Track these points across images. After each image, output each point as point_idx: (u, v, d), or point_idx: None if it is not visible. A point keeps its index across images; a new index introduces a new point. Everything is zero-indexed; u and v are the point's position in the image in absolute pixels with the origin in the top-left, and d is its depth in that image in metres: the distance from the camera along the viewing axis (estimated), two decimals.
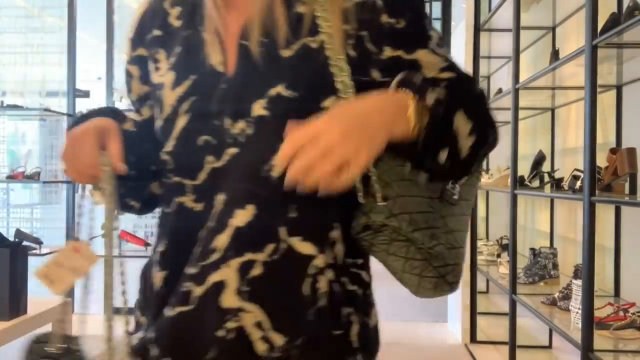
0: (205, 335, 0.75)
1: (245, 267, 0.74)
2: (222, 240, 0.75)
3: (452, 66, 0.81)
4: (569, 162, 3.06)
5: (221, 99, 0.78)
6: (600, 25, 1.92)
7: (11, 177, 4.31)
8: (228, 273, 0.74)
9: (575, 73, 2.38)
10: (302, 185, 0.67)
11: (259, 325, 0.75)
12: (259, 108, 0.76)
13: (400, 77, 0.75)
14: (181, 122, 0.79)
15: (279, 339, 0.75)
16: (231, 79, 0.78)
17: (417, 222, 0.77)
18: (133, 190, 0.92)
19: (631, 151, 2.10)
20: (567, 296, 2.44)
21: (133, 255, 4.31)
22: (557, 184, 2.69)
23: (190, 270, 0.77)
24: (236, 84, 0.78)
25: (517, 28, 2.77)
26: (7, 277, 2.02)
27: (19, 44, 4.37)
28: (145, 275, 0.90)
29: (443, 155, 0.75)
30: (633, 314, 2.07)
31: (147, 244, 4.30)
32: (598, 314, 2.05)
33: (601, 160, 2.14)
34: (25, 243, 2.56)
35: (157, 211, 0.92)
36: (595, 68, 1.90)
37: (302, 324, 0.76)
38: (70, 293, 4.25)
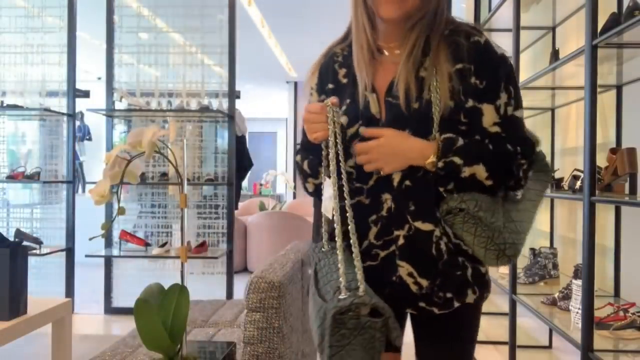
0: (384, 279, 1.24)
1: (396, 239, 1.24)
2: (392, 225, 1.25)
3: (504, 121, 1.22)
4: (569, 162, 3.06)
5: None
6: (600, 25, 1.92)
7: (11, 177, 4.31)
8: (394, 244, 1.24)
9: (575, 73, 2.39)
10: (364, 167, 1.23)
11: (410, 274, 1.23)
12: None
13: (445, 136, 1.20)
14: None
15: (424, 282, 1.23)
16: (384, 123, 1.25)
17: (481, 206, 1.21)
18: (314, 172, 1.35)
19: (631, 151, 2.10)
20: (567, 296, 2.45)
21: (133, 255, 4.31)
22: (557, 184, 2.69)
23: (377, 242, 1.25)
24: (387, 126, 1.24)
25: (517, 28, 2.77)
26: (7, 277, 2.02)
27: (19, 44, 4.36)
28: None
29: (450, 185, 1.23)
30: (633, 314, 2.07)
31: (147, 244, 4.30)
32: (598, 314, 2.06)
33: (601, 160, 2.14)
34: (25, 243, 2.56)
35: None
36: (595, 68, 1.90)
37: (437, 271, 1.23)
38: (70, 293, 4.25)
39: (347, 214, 1.18)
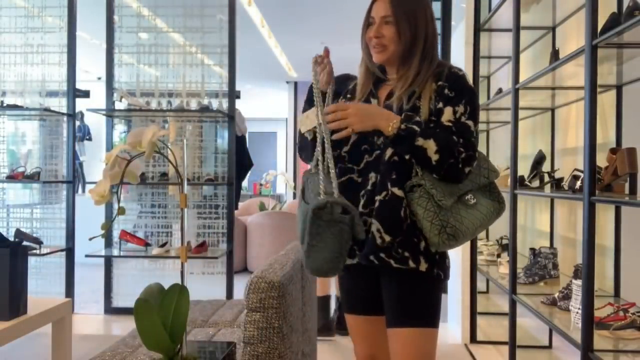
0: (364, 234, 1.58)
1: (374, 203, 1.58)
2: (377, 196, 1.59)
3: (456, 122, 1.58)
4: (569, 162, 3.06)
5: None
6: (600, 25, 1.92)
7: (11, 177, 4.31)
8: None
9: (575, 73, 2.38)
10: (332, 126, 1.58)
11: (378, 230, 1.56)
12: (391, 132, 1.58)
13: (408, 114, 1.60)
14: (353, 138, 1.65)
15: (387, 237, 1.55)
16: None
17: (435, 186, 1.54)
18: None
19: (631, 151, 2.10)
20: (567, 296, 2.44)
21: (133, 255, 4.31)
22: (557, 184, 2.69)
23: (364, 210, 1.60)
24: None
25: (517, 28, 2.77)
26: (7, 277, 2.02)
27: (19, 44, 4.36)
28: None
29: (405, 154, 1.57)
30: (633, 314, 2.07)
31: (147, 244, 4.29)
32: (598, 314, 2.05)
33: (601, 160, 2.14)
34: (25, 243, 2.55)
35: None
36: (595, 68, 1.90)
37: (400, 231, 1.56)
38: (70, 293, 4.25)
39: (326, 147, 1.59)
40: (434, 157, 1.52)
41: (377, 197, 1.57)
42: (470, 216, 1.56)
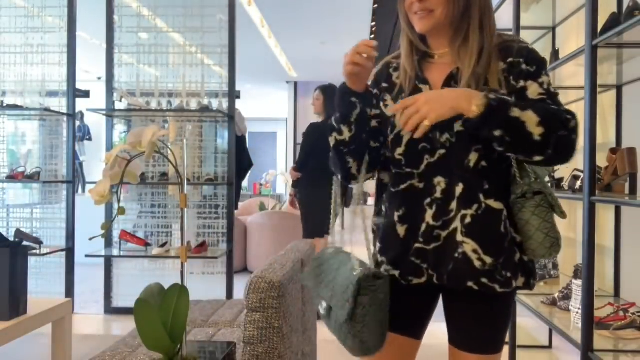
0: (447, 257, 1.33)
1: (463, 218, 1.31)
2: (452, 205, 1.32)
3: (547, 93, 1.31)
4: (569, 162, 3.06)
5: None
6: (600, 25, 1.92)
7: (11, 177, 4.31)
8: (457, 223, 1.32)
9: (575, 73, 2.39)
10: (408, 127, 1.24)
11: (474, 251, 1.30)
12: (458, 126, 1.31)
13: (491, 89, 1.31)
14: (407, 137, 1.36)
15: (488, 259, 1.30)
16: None
17: (553, 196, 1.36)
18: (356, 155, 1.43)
19: (631, 151, 2.10)
20: (567, 296, 2.44)
21: (133, 255, 4.31)
22: (557, 184, 2.69)
23: (435, 222, 1.33)
24: None
25: (517, 28, 2.78)
26: (7, 277, 2.02)
27: (19, 44, 4.36)
28: (387, 231, 1.41)
29: (497, 133, 1.22)
30: (633, 314, 2.07)
31: (147, 244, 4.29)
32: (598, 314, 2.06)
33: (601, 160, 2.14)
34: (25, 243, 2.56)
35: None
36: (595, 68, 1.90)
37: (502, 250, 1.32)
38: (70, 293, 4.25)
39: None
40: (537, 131, 1.21)
41: (467, 212, 1.31)
42: (552, 222, 1.39)
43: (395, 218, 1.38)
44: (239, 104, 4.59)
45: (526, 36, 3.40)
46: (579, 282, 2.05)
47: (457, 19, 1.35)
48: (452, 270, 1.32)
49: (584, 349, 1.88)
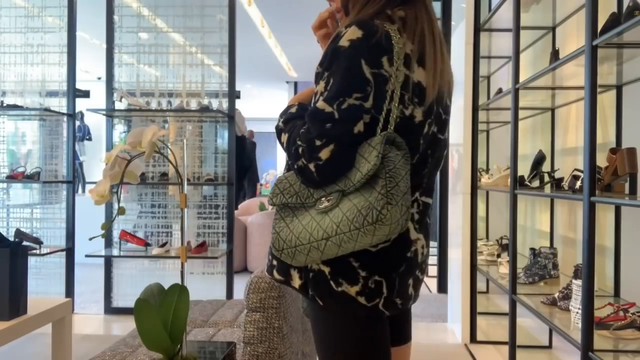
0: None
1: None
2: None
3: (311, 109, 1.16)
4: (569, 162, 3.06)
5: None
6: (600, 25, 1.92)
7: (11, 177, 4.31)
8: None
9: (575, 73, 2.38)
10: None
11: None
12: None
13: (289, 105, 1.29)
14: None
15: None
16: None
17: (282, 186, 1.21)
18: None
19: (631, 151, 2.10)
20: (567, 296, 2.44)
21: (133, 255, 4.31)
22: (557, 184, 2.69)
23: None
24: None
25: (517, 28, 2.77)
26: (7, 277, 2.02)
27: (19, 44, 4.37)
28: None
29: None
30: (633, 314, 2.07)
31: (147, 244, 4.30)
32: (598, 314, 2.05)
33: (601, 160, 2.14)
34: (25, 243, 2.56)
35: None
36: (595, 68, 1.90)
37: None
38: (70, 293, 4.25)
39: None
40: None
41: None
42: (308, 224, 1.15)
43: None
44: (239, 104, 4.59)
45: (526, 36, 3.41)
46: (579, 282, 2.05)
47: (346, 6, 1.28)
48: None
49: (584, 349, 1.88)
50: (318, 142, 1.09)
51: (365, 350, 1.21)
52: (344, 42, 1.12)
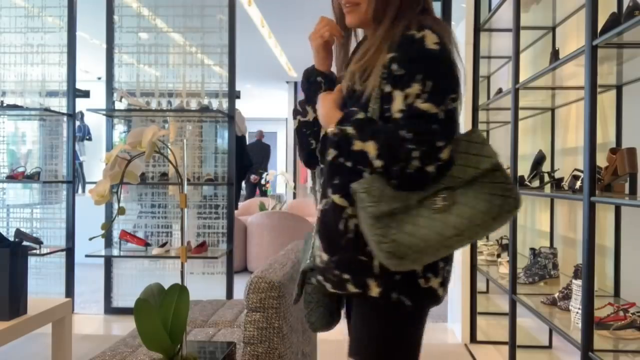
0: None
1: (319, 213, 1.31)
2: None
3: (407, 111, 1.17)
4: (569, 162, 3.06)
5: None
6: (600, 25, 1.92)
7: (11, 177, 4.31)
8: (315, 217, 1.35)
9: (575, 73, 2.38)
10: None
11: (318, 247, 1.31)
12: None
13: (352, 110, 1.24)
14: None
15: (324, 257, 1.29)
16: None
17: (371, 189, 1.17)
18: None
19: (631, 151, 2.10)
20: (567, 296, 2.44)
21: (133, 255, 4.31)
22: (557, 184, 2.69)
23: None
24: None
25: (517, 28, 2.77)
26: (7, 277, 2.02)
27: (19, 44, 4.36)
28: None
29: (342, 160, 1.24)
30: (633, 314, 2.07)
31: (147, 244, 4.30)
32: (598, 314, 2.05)
33: (601, 160, 2.14)
34: (25, 243, 2.56)
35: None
36: (595, 68, 1.90)
37: (338, 248, 1.25)
38: (70, 293, 4.25)
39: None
40: (377, 164, 1.16)
41: (319, 206, 1.31)
42: (431, 225, 1.14)
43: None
44: (239, 104, 4.59)
45: (526, 36, 3.40)
46: (579, 282, 2.05)
47: (378, 13, 1.29)
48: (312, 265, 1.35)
49: (584, 349, 1.88)
50: (440, 144, 1.14)
51: (420, 339, 1.35)
52: (432, 46, 1.19)
